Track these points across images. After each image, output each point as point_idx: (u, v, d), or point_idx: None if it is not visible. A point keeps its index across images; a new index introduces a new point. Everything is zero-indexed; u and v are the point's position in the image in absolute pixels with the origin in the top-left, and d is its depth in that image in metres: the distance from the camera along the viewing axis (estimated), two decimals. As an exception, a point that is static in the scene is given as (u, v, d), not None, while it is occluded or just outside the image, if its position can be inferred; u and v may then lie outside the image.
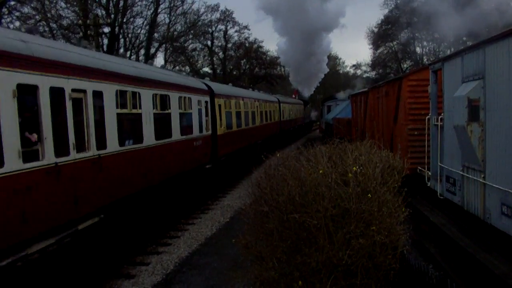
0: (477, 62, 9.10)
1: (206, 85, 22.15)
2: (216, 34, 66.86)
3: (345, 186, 7.65)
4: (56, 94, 9.58)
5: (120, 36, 40.86)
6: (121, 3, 39.52)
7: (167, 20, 49.25)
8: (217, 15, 64.61)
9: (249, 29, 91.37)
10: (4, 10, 29.70)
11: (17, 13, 30.99)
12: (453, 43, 50.90)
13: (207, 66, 68.10)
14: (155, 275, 12.16)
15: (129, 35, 42.93)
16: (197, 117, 19.48)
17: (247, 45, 71.19)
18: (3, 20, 29.55)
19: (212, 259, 13.20)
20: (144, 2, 43.55)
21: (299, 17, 65.02)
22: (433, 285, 6.77)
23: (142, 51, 45.42)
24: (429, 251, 11.74)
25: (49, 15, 32.51)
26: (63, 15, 34.81)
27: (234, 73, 71.65)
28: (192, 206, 18.11)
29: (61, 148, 9.60)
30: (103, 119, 11.58)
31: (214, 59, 68.78)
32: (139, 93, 13.71)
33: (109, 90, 11.91)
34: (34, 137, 8.92)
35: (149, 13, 43.92)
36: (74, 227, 9.98)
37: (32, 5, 31.75)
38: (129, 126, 13.35)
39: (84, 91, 10.67)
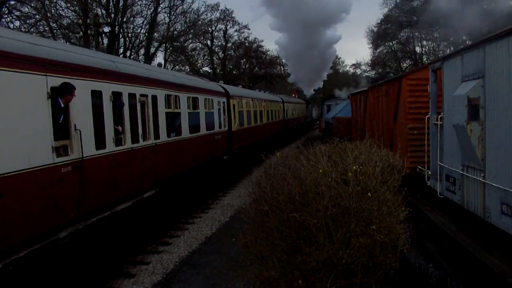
0: (477, 61, 9.09)
1: (223, 88, 25.59)
2: (216, 33, 67.01)
3: (345, 185, 7.64)
4: (132, 98, 13.31)
5: (120, 36, 40.84)
6: (121, 3, 39.52)
7: (167, 20, 49.32)
8: (217, 14, 64.73)
9: (249, 29, 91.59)
10: (4, 9, 29.69)
11: (17, 13, 30.98)
12: (452, 43, 50.91)
13: (207, 66, 68.20)
14: (155, 275, 12.17)
15: (129, 35, 42.93)
16: (217, 115, 22.90)
17: (247, 44, 71.25)
18: (3, 20, 29.55)
19: (212, 258, 13.21)
20: (144, 2, 43.60)
21: (302, 11, 65.34)
22: (433, 284, 6.77)
23: (142, 51, 45.44)
24: (429, 250, 11.74)
25: (49, 14, 32.47)
26: (63, 14, 34.81)
27: (234, 72, 71.68)
28: (213, 189, 21.01)
29: (134, 137, 13.26)
30: (157, 116, 15.12)
31: (214, 58, 68.85)
32: (179, 97, 17.38)
33: (161, 94, 15.57)
34: (120, 129, 12.47)
35: (149, 12, 43.95)
36: (141, 195, 13.59)
37: (32, 4, 31.73)
38: (173, 122, 16.77)
39: (146, 96, 14.35)
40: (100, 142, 11.24)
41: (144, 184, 13.80)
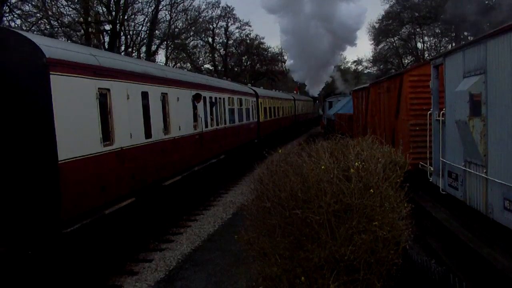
0: (479, 57, 9.07)
1: (254, 90, 34.67)
2: (217, 31, 66.96)
3: (347, 181, 7.64)
4: (212, 100, 20.63)
5: (122, 34, 40.81)
6: (122, 0, 39.48)
7: (168, 17, 49.23)
8: (217, 11, 64.66)
9: (250, 26, 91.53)
10: (5, 8, 29.67)
11: (18, 11, 30.97)
12: (454, 38, 50.81)
13: (208, 63, 68.12)
14: (158, 272, 12.18)
15: (131, 33, 42.91)
16: (251, 110, 31.35)
17: (248, 41, 71.17)
18: (4, 19, 29.54)
19: (215, 256, 13.22)
20: (145, -1, 43.63)
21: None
22: (435, 280, 6.77)
23: (143, 48, 45.40)
24: (431, 246, 11.74)
25: (50, 13, 32.46)
26: (64, 12, 34.79)
27: (236, 69, 71.63)
28: (249, 161, 23.78)
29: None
30: (225, 111, 23.94)
31: (215, 55, 68.77)
32: (233, 98, 26.15)
33: (225, 97, 24.27)
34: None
35: (150, 10, 43.90)
36: (218, 157, 21.65)
37: (33, 3, 31.73)
38: (232, 114, 25.60)
39: (220, 98, 22.57)
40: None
41: (215, 154, 21.63)
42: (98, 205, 10.73)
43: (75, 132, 9.89)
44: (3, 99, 8.95)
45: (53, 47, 9.76)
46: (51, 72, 9.13)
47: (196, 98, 18.46)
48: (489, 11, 39.40)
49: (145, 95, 13.86)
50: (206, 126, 20.03)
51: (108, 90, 11.55)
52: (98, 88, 11.01)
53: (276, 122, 41.48)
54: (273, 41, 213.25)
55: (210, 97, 20.96)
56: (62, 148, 9.34)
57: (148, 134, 13.84)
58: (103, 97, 11.35)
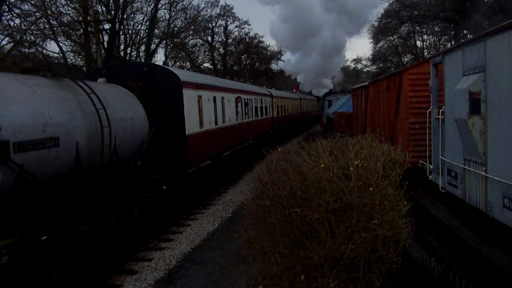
0: (478, 55, 9.07)
1: (269, 91, 41.95)
2: (216, 29, 66.84)
3: (347, 180, 7.64)
4: (247, 101, 28.60)
5: (121, 33, 40.80)
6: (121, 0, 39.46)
7: (167, 16, 49.20)
8: (217, 10, 64.62)
9: (249, 24, 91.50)
10: (4, 7, 29.63)
11: (17, 10, 30.94)
12: (453, 37, 50.77)
13: (208, 62, 68.02)
14: (157, 271, 12.19)
15: (130, 32, 42.86)
16: (267, 107, 38.16)
17: (247, 40, 71.09)
18: (3, 18, 29.51)
19: (215, 254, 13.23)
20: (144, -2, 43.60)
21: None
22: (435, 278, 6.78)
23: (143, 47, 45.34)
24: (431, 244, 11.75)
25: (49, 12, 32.42)
26: (64, 12, 34.74)
27: (235, 68, 71.53)
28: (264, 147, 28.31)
29: (244, 117, 27.35)
30: (252, 108, 31.28)
31: (215, 54, 68.68)
32: (257, 98, 33.94)
33: (252, 99, 31.65)
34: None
35: (149, 9, 43.85)
36: (241, 145, 27.51)
37: (32, 2, 31.68)
38: (257, 111, 33.12)
39: (249, 99, 29.95)
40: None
41: (248, 138, 29.08)
42: (197, 161, 18.38)
43: (191, 119, 17.50)
44: (169, 100, 16.43)
45: (183, 75, 17.82)
46: (183, 88, 16.90)
47: (237, 99, 26.15)
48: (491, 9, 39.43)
49: (214, 99, 21.41)
50: (242, 119, 27.66)
51: (201, 96, 19.16)
52: (197, 96, 18.73)
53: (286, 118, 49.47)
54: (272, 40, 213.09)
55: (245, 98, 28.49)
56: (187, 127, 16.92)
57: (216, 123, 21.45)
58: (199, 100, 18.94)
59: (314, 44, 71.85)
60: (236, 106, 25.98)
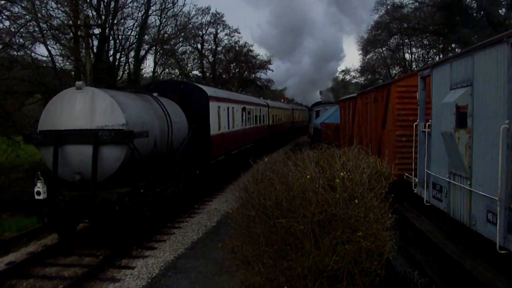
0: (466, 69, 9.11)
1: (266, 102, 46.52)
2: (206, 37, 66.66)
3: (332, 191, 7.63)
4: (249, 110, 34.04)
5: (111, 38, 40.61)
6: (112, 5, 39.26)
7: (157, 23, 49.00)
8: (207, 18, 64.56)
9: (239, 33, 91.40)
10: (-7, 9, 29.44)
11: (7, 13, 30.73)
12: (441, 50, 51.12)
13: (197, 69, 67.82)
14: (140, 279, 12.07)
15: (119, 37, 42.66)
16: (264, 116, 42.34)
17: (237, 48, 71.02)
18: (-8, 20, 29.30)
19: (198, 263, 13.13)
20: (135, 4, 43.35)
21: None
22: (418, 292, 6.76)
23: (132, 53, 45.16)
24: (414, 257, 11.74)
25: (39, 15, 32.23)
26: (54, 15, 34.53)
27: (224, 76, 71.45)
28: (260, 153, 32.51)
29: (246, 124, 32.77)
30: (254, 116, 36.13)
31: (204, 62, 68.54)
32: (256, 108, 38.07)
33: (253, 108, 36.56)
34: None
35: (140, 15, 43.69)
36: (245, 147, 32.18)
37: (22, 4, 31.48)
38: (256, 119, 37.34)
39: (251, 109, 34.86)
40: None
41: (249, 142, 33.76)
42: (217, 155, 24.01)
43: (213, 124, 22.96)
44: (198, 111, 21.73)
45: (209, 91, 23.55)
46: (210, 101, 22.52)
47: (243, 109, 31.70)
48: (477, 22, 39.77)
49: (227, 109, 26.72)
50: (246, 126, 32.74)
51: (219, 107, 24.61)
52: (217, 106, 24.20)
53: (280, 126, 54.67)
54: (261, 49, 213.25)
55: (248, 108, 33.65)
56: (211, 130, 22.45)
57: (229, 127, 26.89)
58: (218, 110, 24.37)
59: (306, 49, 72.68)
60: (242, 115, 31.41)
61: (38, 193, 13.33)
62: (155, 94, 19.10)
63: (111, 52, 41.57)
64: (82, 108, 14.07)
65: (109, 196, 12.92)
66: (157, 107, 17.49)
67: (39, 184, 13.36)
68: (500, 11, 40.75)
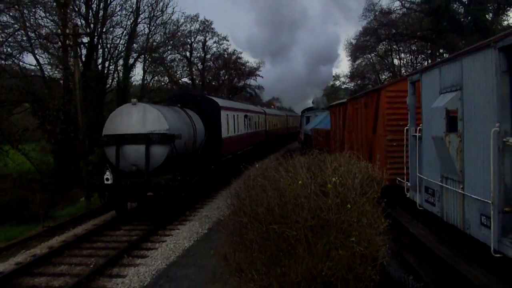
0: (455, 73, 9.13)
1: (263, 110, 52.41)
2: (195, 45, 66.52)
3: (325, 196, 7.59)
4: (250, 116, 39.62)
5: (99, 46, 40.44)
6: (101, 13, 39.15)
7: (146, 31, 48.92)
8: (196, 25, 64.46)
9: (228, 40, 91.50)
10: (-19, 19, 29.28)
11: (-5, 22, 30.54)
12: (430, 55, 51.33)
13: (186, 77, 67.64)
14: (132, 288, 11.98)
15: (108, 46, 42.49)
16: (262, 122, 47.44)
17: (225, 56, 70.95)
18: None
19: (190, 271, 13.05)
20: (124, 12, 43.25)
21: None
22: (413, 297, 6.73)
23: (121, 61, 44.99)
24: (409, 262, 11.71)
25: (28, 24, 32.07)
26: (42, 24, 34.37)
27: (213, 83, 71.33)
28: (258, 157, 37.01)
29: (248, 128, 38.90)
30: (254, 122, 42.14)
31: (193, 69, 68.41)
32: (255, 115, 43.48)
33: (252, 115, 41.77)
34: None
35: (128, 23, 43.56)
36: (247, 148, 37.66)
37: (10, 13, 31.33)
38: (255, 124, 42.69)
39: (251, 116, 40.48)
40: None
41: (250, 144, 38.75)
42: (226, 154, 28.93)
43: (224, 128, 28.29)
44: (212, 120, 26.68)
45: (220, 102, 29.42)
46: (221, 110, 28.16)
47: (245, 116, 36.75)
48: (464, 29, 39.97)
49: (233, 116, 31.94)
50: (248, 130, 38.02)
51: (227, 114, 29.77)
52: (226, 114, 29.37)
53: (276, 131, 60.98)
54: (250, 56, 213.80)
55: (249, 116, 39.32)
56: (222, 133, 27.71)
57: (234, 131, 31.85)
58: (227, 117, 29.60)
59: (298, 50, 73.54)
60: (244, 121, 36.83)
61: (107, 179, 18.60)
62: (178, 105, 24.48)
63: (100, 61, 41.37)
64: (137, 118, 19.44)
65: (160, 180, 18.11)
66: (185, 116, 23.23)
67: (107, 173, 18.62)
68: (487, 15, 40.98)
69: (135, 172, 19.17)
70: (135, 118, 19.44)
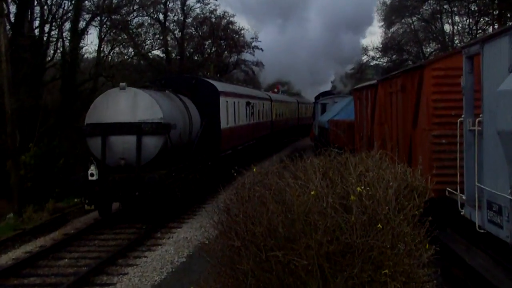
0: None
1: (269, 95, 57.51)
2: (170, 4, 65.86)
3: (346, 213, 7.59)
4: (238, 103, 39.26)
5: (35, 3, 40.17)
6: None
7: (103, -19, 48.78)
8: (172, -23, 64.15)
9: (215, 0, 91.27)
10: None
11: None
12: (496, 18, 50.69)
13: (158, 49, 67.01)
14: None
15: (48, 2, 42.23)
16: (267, 110, 52.86)
17: (213, 20, 70.39)
18: None
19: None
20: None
21: None
22: None
23: (68, 25, 44.78)
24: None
25: None
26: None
27: (196, 58, 70.89)
28: (258, 156, 43.29)
29: (251, 118, 44.33)
30: (256, 110, 47.20)
31: (168, 39, 67.73)
32: (260, 103, 49.79)
33: (256, 102, 47.49)
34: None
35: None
36: (252, 141, 44.61)
37: None
38: (259, 113, 48.73)
39: (254, 103, 45.68)
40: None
41: (252, 138, 43.79)
42: (225, 149, 33.31)
43: (223, 118, 32.53)
44: (208, 105, 30.51)
45: (219, 86, 33.99)
46: (220, 96, 32.62)
47: (247, 104, 40.19)
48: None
49: (232, 103, 35.47)
50: (250, 121, 42.07)
51: (227, 101, 34.09)
52: (226, 101, 33.84)
53: (284, 122, 65.99)
54: (245, 21, 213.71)
55: (252, 103, 43.27)
56: (221, 123, 31.89)
57: (234, 122, 35.53)
58: (227, 104, 33.86)
59: (314, 12, 74.83)
60: (246, 110, 40.94)
61: (92, 174, 20.80)
62: (170, 90, 27.44)
63: (37, 23, 41.21)
64: (126, 105, 22.12)
65: (154, 175, 20.72)
66: (180, 103, 26.72)
67: (92, 167, 20.86)
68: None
69: (123, 166, 21.78)
70: (123, 105, 22.17)
